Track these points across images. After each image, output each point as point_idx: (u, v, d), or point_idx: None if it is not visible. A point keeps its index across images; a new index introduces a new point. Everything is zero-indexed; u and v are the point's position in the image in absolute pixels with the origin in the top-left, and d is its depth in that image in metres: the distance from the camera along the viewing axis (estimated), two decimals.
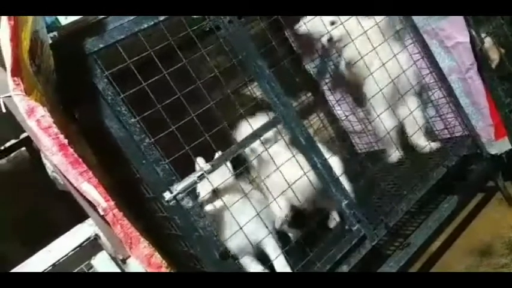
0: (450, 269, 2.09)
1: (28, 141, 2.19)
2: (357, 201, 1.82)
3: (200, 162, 1.59)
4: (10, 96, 0.89)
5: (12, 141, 2.20)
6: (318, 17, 2.08)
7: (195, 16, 1.75)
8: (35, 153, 2.19)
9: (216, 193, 1.67)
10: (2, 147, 2.19)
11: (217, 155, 1.62)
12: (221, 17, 1.62)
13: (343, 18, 2.03)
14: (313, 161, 1.73)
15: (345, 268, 1.75)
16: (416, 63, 2.13)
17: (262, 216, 1.70)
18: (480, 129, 2.08)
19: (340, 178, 1.79)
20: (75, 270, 1.33)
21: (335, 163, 1.84)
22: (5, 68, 0.93)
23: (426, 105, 2.26)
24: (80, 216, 1.32)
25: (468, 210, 2.33)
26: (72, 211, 1.29)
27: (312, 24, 2.13)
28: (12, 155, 2.20)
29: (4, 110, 0.91)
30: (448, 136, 2.24)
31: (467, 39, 1.92)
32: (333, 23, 2.08)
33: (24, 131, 1.60)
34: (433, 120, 2.26)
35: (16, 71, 0.92)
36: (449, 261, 2.16)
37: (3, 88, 0.92)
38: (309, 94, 2.57)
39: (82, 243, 1.28)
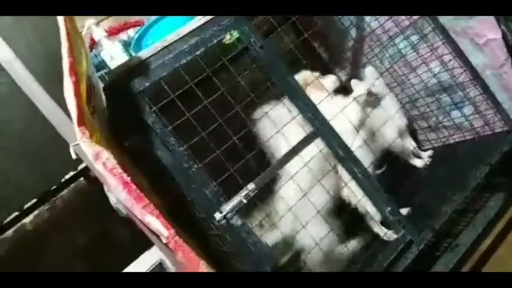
0: (504, 266, 2.05)
1: (85, 172, 2.37)
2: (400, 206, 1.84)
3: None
4: (78, 144, 1.01)
5: (71, 173, 2.38)
6: None
7: (227, 41, 1.86)
8: (92, 184, 2.37)
9: None
10: (63, 179, 2.37)
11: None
12: (251, 40, 1.70)
13: None
14: (353, 171, 1.78)
15: None
16: (448, 64, 2.14)
17: None
18: None
19: None
20: None
21: None
22: (71, 119, 1.06)
23: (463, 104, 2.25)
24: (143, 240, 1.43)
25: None
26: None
27: None
28: (72, 185, 2.39)
29: (75, 157, 1.03)
30: (489, 133, 2.22)
31: (499, 36, 1.91)
32: None
33: (81, 162, 1.76)
34: (471, 118, 2.25)
35: (81, 121, 1.05)
36: (503, 257, 2.12)
37: (71, 136, 1.05)
38: None
39: (150, 268, 1.39)
